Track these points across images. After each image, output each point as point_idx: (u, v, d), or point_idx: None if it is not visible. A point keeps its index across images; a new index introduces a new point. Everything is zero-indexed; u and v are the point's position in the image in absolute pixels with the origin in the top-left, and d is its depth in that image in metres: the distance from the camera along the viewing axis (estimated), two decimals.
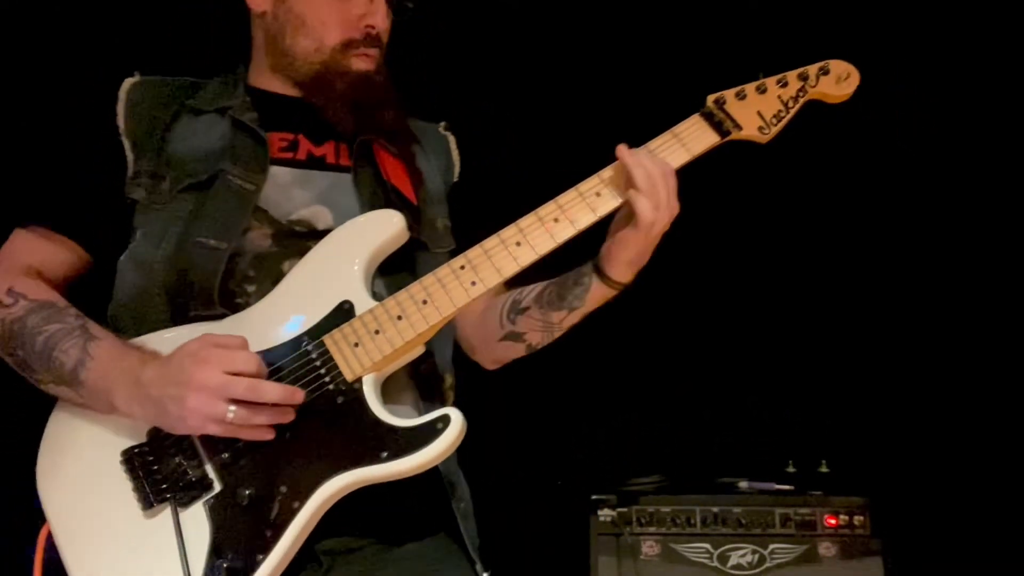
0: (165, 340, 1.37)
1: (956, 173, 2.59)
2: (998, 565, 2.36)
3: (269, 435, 1.29)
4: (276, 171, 1.52)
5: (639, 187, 1.37)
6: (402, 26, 1.64)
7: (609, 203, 1.41)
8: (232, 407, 1.25)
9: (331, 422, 1.32)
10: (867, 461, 2.54)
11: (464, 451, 1.58)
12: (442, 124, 1.78)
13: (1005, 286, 2.53)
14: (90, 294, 1.51)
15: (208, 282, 1.42)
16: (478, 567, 1.49)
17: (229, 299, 1.42)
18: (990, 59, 2.51)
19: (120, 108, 1.52)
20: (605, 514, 2.30)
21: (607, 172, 1.42)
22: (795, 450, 2.60)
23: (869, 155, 2.68)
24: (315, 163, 1.56)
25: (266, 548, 1.26)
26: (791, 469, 2.55)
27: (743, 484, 2.44)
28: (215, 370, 1.25)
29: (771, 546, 2.27)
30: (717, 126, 1.44)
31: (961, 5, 2.49)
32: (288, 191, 1.51)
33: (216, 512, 1.29)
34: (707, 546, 2.28)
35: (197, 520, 1.29)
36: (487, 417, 1.66)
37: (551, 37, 2.64)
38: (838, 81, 1.46)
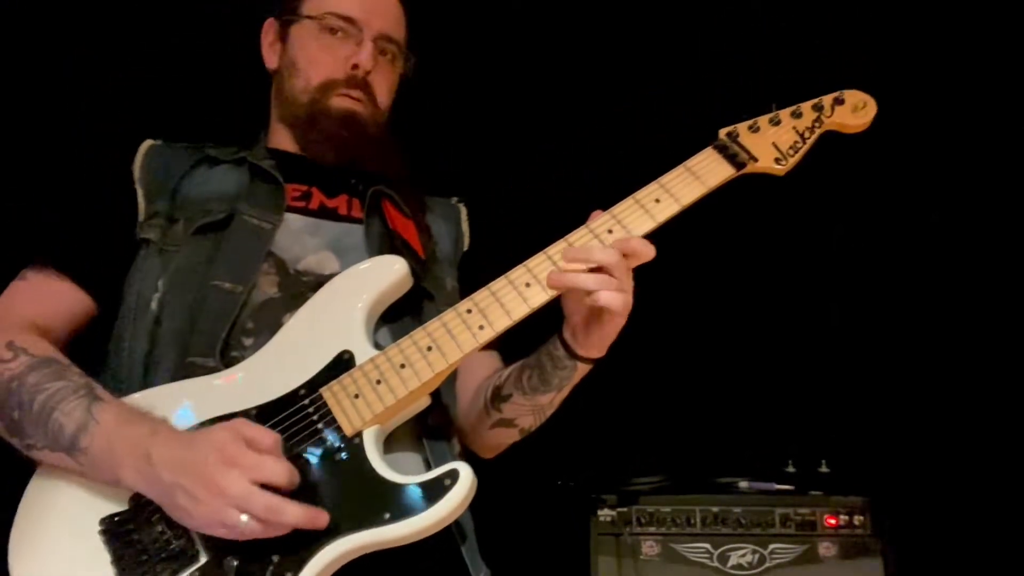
0: (165, 398, 1.29)
1: (956, 173, 2.59)
2: (998, 565, 2.36)
3: (279, 534, 1.18)
4: (289, 218, 1.52)
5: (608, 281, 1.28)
6: (409, 101, 1.69)
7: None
8: (244, 518, 1.15)
9: (329, 482, 1.23)
10: (867, 461, 2.54)
11: (464, 451, 1.58)
12: (454, 198, 1.79)
13: (1005, 286, 2.53)
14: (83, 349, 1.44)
15: (217, 328, 1.37)
16: None
17: (224, 351, 1.37)
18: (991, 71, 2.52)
19: (137, 160, 1.52)
20: (605, 514, 2.30)
21: (617, 208, 1.37)
22: (795, 450, 2.59)
23: (868, 155, 2.68)
24: (327, 213, 1.57)
25: None
26: (791, 469, 2.55)
27: (743, 484, 2.44)
28: (240, 478, 1.16)
29: (771, 546, 2.27)
30: (731, 158, 1.40)
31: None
32: (299, 237, 1.51)
33: None
34: (707, 546, 2.27)
35: None
36: None
37: (553, 93, 2.65)
38: (854, 111, 1.42)
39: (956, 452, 2.48)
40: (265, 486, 1.17)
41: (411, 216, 1.63)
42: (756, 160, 1.40)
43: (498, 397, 1.49)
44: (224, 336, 1.36)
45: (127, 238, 1.46)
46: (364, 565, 1.23)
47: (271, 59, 1.69)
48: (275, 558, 1.18)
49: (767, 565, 2.26)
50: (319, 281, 1.43)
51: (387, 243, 1.53)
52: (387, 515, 1.19)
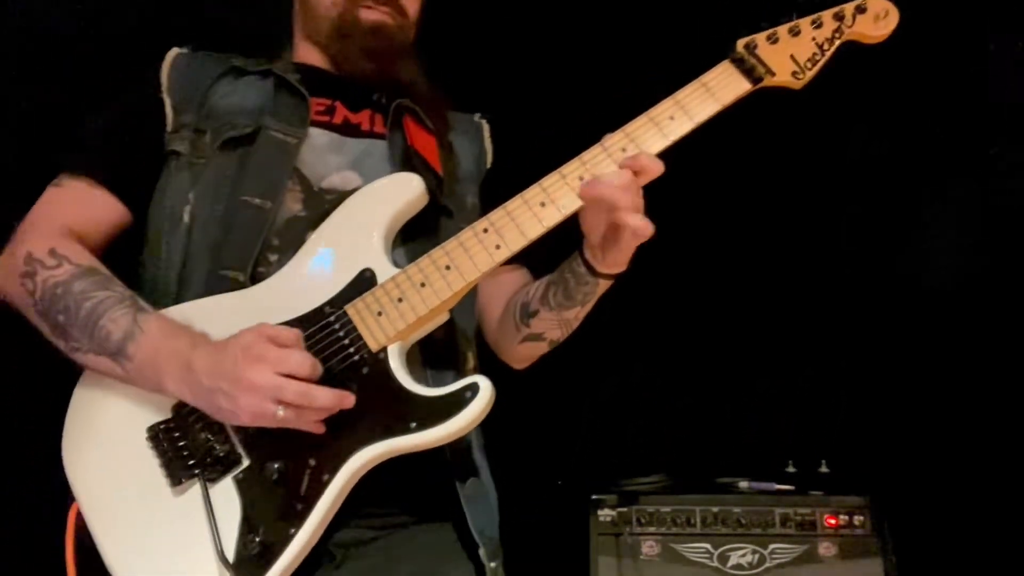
0: (200, 312, 1.36)
1: (956, 171, 2.59)
2: (999, 565, 2.36)
3: (319, 430, 1.27)
4: (314, 132, 1.53)
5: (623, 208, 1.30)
6: (435, 18, 1.66)
7: None
8: (281, 408, 1.23)
9: (357, 394, 1.30)
10: (867, 461, 2.54)
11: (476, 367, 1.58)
12: (477, 115, 1.79)
13: (1005, 285, 2.53)
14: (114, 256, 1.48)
15: (249, 243, 1.42)
16: (481, 552, 1.46)
17: (253, 267, 1.42)
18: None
19: (164, 69, 1.54)
20: (605, 514, 2.30)
21: (631, 126, 1.37)
22: (795, 450, 2.60)
23: (867, 155, 2.68)
24: (350, 129, 1.58)
25: (298, 521, 1.25)
26: (791, 469, 2.55)
27: (743, 484, 2.44)
28: (268, 371, 1.23)
29: (771, 546, 2.27)
30: (748, 72, 1.38)
31: None
32: (323, 155, 1.52)
33: (245, 487, 1.28)
34: (707, 546, 2.27)
35: (227, 495, 1.28)
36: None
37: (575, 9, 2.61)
38: (876, 20, 1.39)
39: (956, 452, 2.48)
40: (292, 378, 1.25)
41: (433, 132, 1.63)
42: (773, 74, 1.38)
43: (526, 313, 1.54)
44: (256, 252, 1.41)
45: (157, 149, 1.48)
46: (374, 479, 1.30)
47: None
48: (312, 462, 1.27)
49: (767, 565, 2.26)
50: (342, 199, 1.46)
51: (408, 160, 1.54)
52: (413, 424, 1.27)
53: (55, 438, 1.37)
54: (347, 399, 1.27)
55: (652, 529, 2.28)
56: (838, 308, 2.78)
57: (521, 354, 1.63)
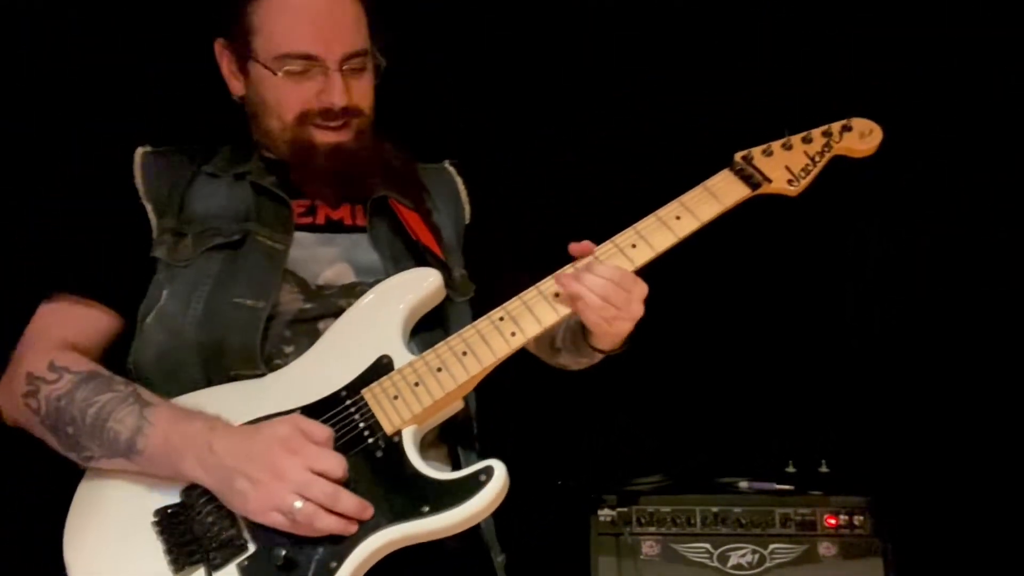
0: (211, 398, 1.36)
1: (956, 171, 2.59)
2: (999, 564, 2.36)
3: (322, 534, 1.24)
4: (299, 236, 1.53)
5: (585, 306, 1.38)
6: (397, 70, 1.63)
7: (646, 254, 1.43)
8: (299, 503, 1.22)
9: (371, 478, 1.29)
10: (867, 461, 2.54)
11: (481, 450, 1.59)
12: (447, 161, 1.78)
13: (1005, 284, 2.53)
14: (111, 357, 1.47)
15: (250, 342, 1.41)
16: (492, 553, 1.49)
17: (267, 362, 1.42)
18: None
19: (137, 173, 1.53)
20: (605, 514, 2.30)
21: (641, 225, 1.45)
22: (795, 450, 2.59)
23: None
24: (334, 226, 1.58)
25: None
26: (791, 469, 2.55)
27: (743, 484, 2.44)
28: (301, 465, 1.24)
29: (771, 546, 2.27)
30: (747, 179, 1.47)
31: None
32: (313, 253, 1.53)
33: (251, 574, 1.25)
34: (707, 546, 2.28)
35: None
36: (488, 419, 1.66)
37: (554, 66, 2.63)
38: (861, 137, 1.50)
39: (956, 452, 2.48)
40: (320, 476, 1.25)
41: (415, 209, 1.64)
42: (770, 181, 1.48)
43: (552, 348, 1.65)
44: (259, 345, 1.42)
45: (146, 258, 1.48)
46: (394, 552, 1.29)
47: (235, 86, 1.60)
48: (319, 549, 1.24)
49: (767, 565, 2.26)
50: (342, 291, 1.49)
51: (400, 249, 1.56)
52: (426, 508, 1.26)
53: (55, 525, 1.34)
54: (368, 510, 1.26)
55: (652, 529, 2.29)
56: (838, 308, 2.78)
57: (561, 367, 1.71)
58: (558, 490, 2.52)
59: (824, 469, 2.52)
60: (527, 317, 1.40)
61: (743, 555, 2.26)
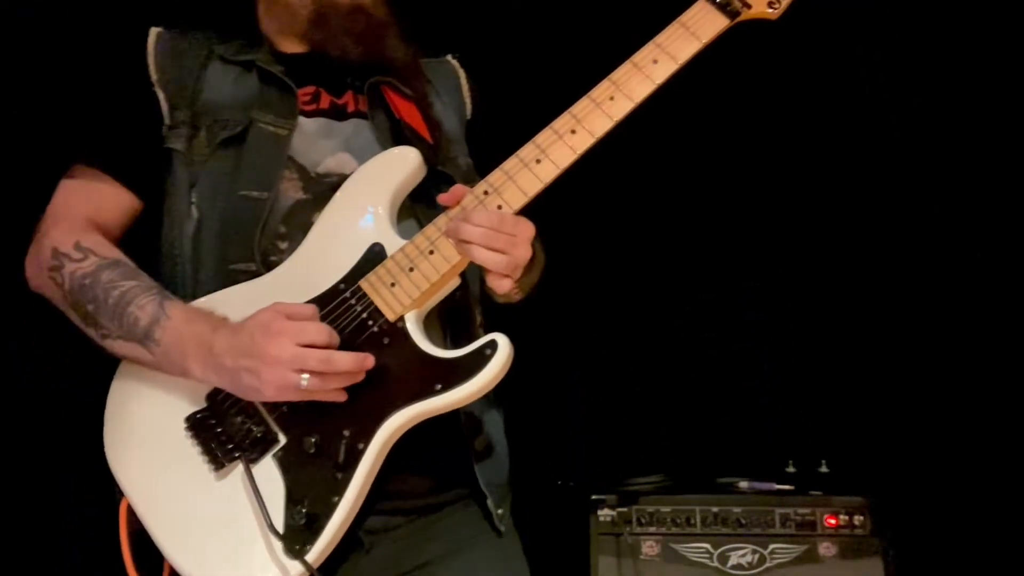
0: (218, 303, 1.41)
1: (956, 171, 2.59)
2: (999, 564, 2.36)
3: (342, 397, 1.32)
4: (302, 122, 1.54)
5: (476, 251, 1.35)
6: None
7: (626, 105, 1.38)
8: (305, 376, 1.28)
9: (383, 363, 1.34)
10: (867, 461, 2.54)
11: (485, 321, 1.59)
12: (450, 56, 1.79)
13: (1005, 284, 2.53)
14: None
15: (249, 234, 1.45)
16: (489, 502, 1.52)
17: (264, 256, 1.45)
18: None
19: (150, 60, 1.54)
20: (605, 514, 2.30)
21: (616, 74, 1.40)
22: (795, 450, 2.60)
23: (868, 148, 2.68)
24: (337, 112, 1.59)
25: (340, 490, 1.31)
26: (791, 469, 2.55)
27: (743, 484, 2.44)
28: (288, 343, 1.28)
29: (771, 546, 2.27)
30: (723, 8, 1.40)
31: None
32: (315, 141, 1.54)
33: (286, 463, 1.34)
34: (707, 546, 2.27)
35: (269, 473, 1.33)
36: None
37: None
38: None
39: (956, 452, 2.48)
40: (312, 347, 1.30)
41: (414, 98, 1.64)
42: (749, 7, 1.41)
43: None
44: (258, 239, 1.45)
45: (158, 144, 1.50)
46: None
47: None
48: (346, 432, 1.33)
49: (767, 565, 2.26)
50: (341, 180, 1.50)
51: (396, 135, 1.57)
52: (438, 386, 1.33)
53: (93, 436, 1.42)
54: (367, 360, 1.31)
55: (652, 529, 2.28)
56: (838, 307, 2.78)
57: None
58: (558, 490, 2.52)
59: (824, 469, 2.52)
60: (511, 188, 1.38)
61: (743, 555, 2.26)
